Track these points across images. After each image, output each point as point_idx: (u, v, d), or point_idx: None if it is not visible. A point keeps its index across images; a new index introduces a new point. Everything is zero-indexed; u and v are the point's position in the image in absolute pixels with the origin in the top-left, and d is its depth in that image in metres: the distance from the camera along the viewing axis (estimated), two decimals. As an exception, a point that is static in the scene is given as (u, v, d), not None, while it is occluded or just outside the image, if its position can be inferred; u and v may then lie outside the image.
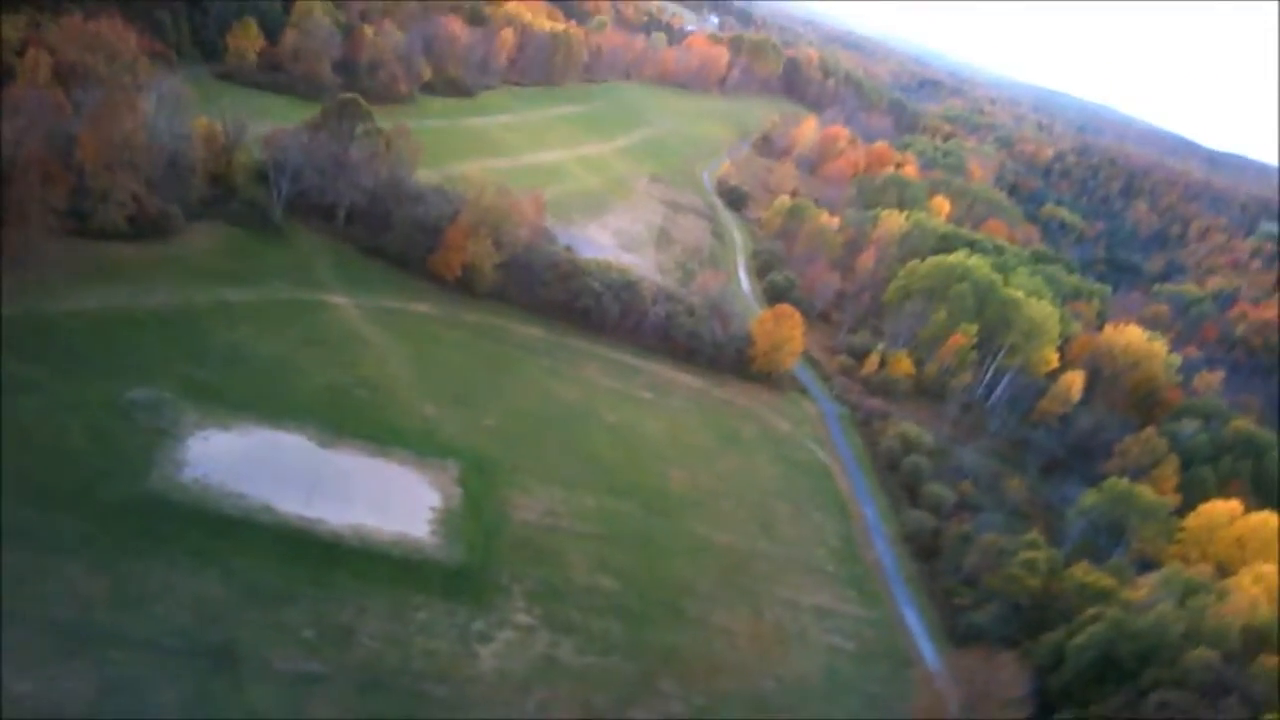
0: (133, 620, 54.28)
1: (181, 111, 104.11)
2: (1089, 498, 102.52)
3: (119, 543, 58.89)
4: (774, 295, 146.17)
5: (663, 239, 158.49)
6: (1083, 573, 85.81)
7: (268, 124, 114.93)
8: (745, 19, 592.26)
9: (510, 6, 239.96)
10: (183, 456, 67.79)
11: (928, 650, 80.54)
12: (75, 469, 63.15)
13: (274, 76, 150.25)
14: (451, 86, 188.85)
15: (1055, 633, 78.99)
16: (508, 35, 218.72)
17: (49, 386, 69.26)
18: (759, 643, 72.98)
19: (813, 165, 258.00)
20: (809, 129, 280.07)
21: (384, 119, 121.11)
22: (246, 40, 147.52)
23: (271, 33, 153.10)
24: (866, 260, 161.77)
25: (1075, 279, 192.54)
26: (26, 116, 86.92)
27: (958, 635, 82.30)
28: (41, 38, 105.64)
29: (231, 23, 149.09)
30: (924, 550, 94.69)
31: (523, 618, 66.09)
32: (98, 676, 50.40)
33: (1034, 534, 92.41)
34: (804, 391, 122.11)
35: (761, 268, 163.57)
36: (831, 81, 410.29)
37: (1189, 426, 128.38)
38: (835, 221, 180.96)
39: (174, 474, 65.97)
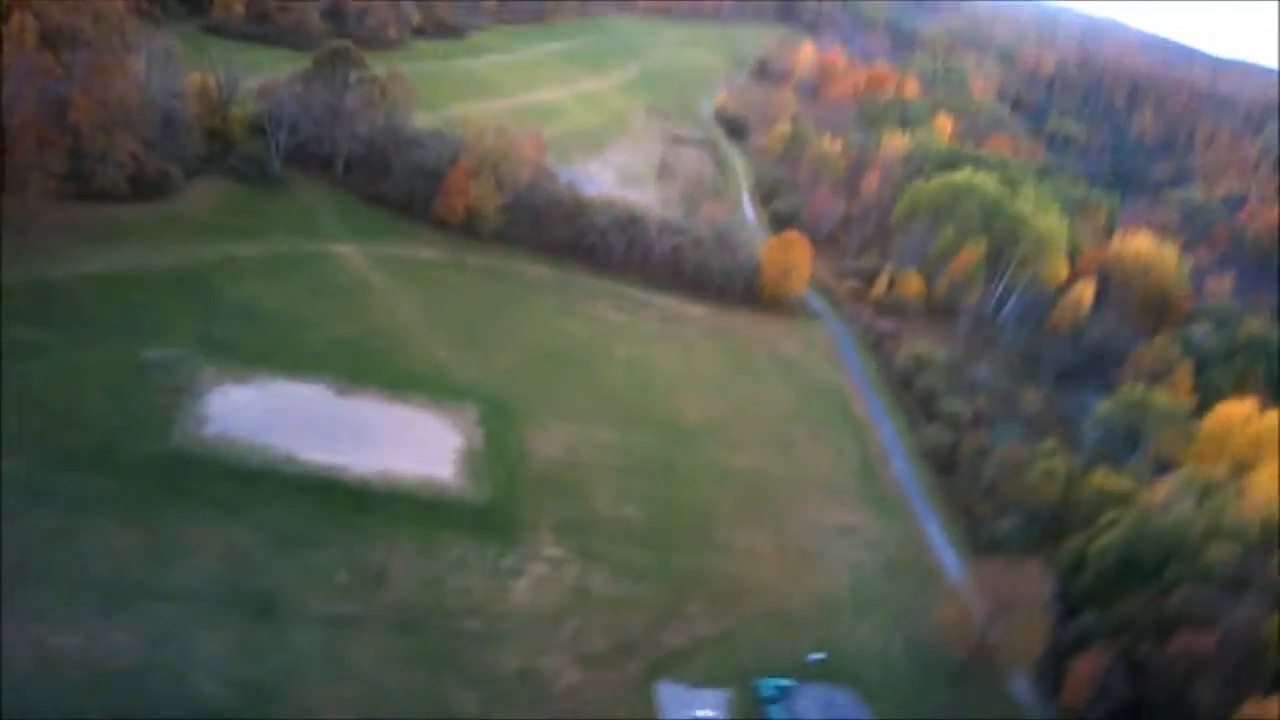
0: (170, 573, 55.25)
1: (173, 68, 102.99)
2: (1105, 405, 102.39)
3: (148, 499, 59.67)
4: (779, 222, 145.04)
5: (664, 172, 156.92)
6: (1101, 478, 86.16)
7: (260, 76, 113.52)
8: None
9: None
10: (203, 412, 68.35)
11: (950, 562, 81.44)
12: (96, 430, 63.71)
13: (262, 28, 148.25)
14: (442, 28, 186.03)
15: (1076, 538, 79.56)
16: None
17: (59, 351, 69.62)
18: (784, 562, 73.91)
19: (812, 90, 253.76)
20: (806, 53, 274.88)
21: (376, 65, 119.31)
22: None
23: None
24: (871, 182, 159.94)
25: (1082, 190, 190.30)
26: (17, 81, 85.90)
27: (980, 546, 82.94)
28: (25, 1, 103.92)
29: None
30: (942, 465, 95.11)
31: (551, 550, 66.98)
32: (143, 629, 51.40)
33: (1051, 443, 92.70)
34: (814, 316, 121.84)
35: (765, 195, 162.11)
36: (827, 4, 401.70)
37: (1201, 330, 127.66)
38: (837, 145, 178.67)
39: (196, 430, 66.56)
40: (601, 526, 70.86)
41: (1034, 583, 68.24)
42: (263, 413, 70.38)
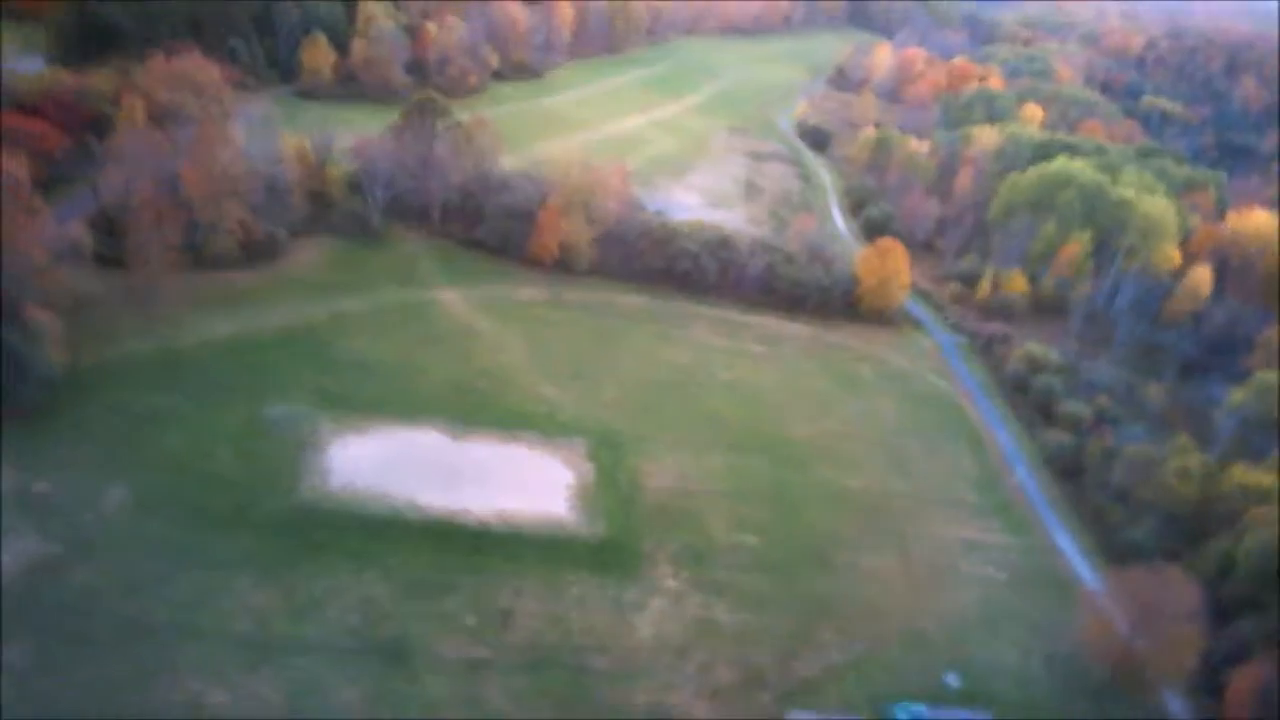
0: (307, 626, 57.00)
1: (271, 135, 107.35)
2: (1237, 395, 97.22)
3: (282, 554, 61.82)
4: (872, 231, 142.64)
5: (750, 190, 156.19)
6: (1241, 474, 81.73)
7: (352, 134, 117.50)
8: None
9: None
10: (326, 465, 70.62)
11: (1085, 572, 78.11)
12: (229, 489, 66.50)
13: (350, 87, 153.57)
14: (520, 69, 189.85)
15: (1221, 540, 75.61)
16: (566, 10, 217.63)
17: (190, 415, 72.98)
18: (911, 582, 72.02)
19: (892, 92, 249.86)
20: (883, 56, 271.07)
21: (460, 112, 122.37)
22: (318, 56, 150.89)
23: (341, 45, 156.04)
24: (963, 181, 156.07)
25: (1187, 169, 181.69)
26: (132, 161, 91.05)
27: (1115, 554, 79.42)
28: (133, 84, 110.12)
29: (301, 41, 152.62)
30: (1067, 471, 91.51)
31: (671, 583, 66.74)
32: (285, 682, 53.17)
33: (1182, 440, 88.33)
34: (918, 325, 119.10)
35: (855, 205, 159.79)
36: (900, 4, 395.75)
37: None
38: (925, 146, 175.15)
39: (321, 483, 68.73)
40: (720, 555, 70.27)
41: (1180, 590, 64.93)
42: (382, 461, 72.29)
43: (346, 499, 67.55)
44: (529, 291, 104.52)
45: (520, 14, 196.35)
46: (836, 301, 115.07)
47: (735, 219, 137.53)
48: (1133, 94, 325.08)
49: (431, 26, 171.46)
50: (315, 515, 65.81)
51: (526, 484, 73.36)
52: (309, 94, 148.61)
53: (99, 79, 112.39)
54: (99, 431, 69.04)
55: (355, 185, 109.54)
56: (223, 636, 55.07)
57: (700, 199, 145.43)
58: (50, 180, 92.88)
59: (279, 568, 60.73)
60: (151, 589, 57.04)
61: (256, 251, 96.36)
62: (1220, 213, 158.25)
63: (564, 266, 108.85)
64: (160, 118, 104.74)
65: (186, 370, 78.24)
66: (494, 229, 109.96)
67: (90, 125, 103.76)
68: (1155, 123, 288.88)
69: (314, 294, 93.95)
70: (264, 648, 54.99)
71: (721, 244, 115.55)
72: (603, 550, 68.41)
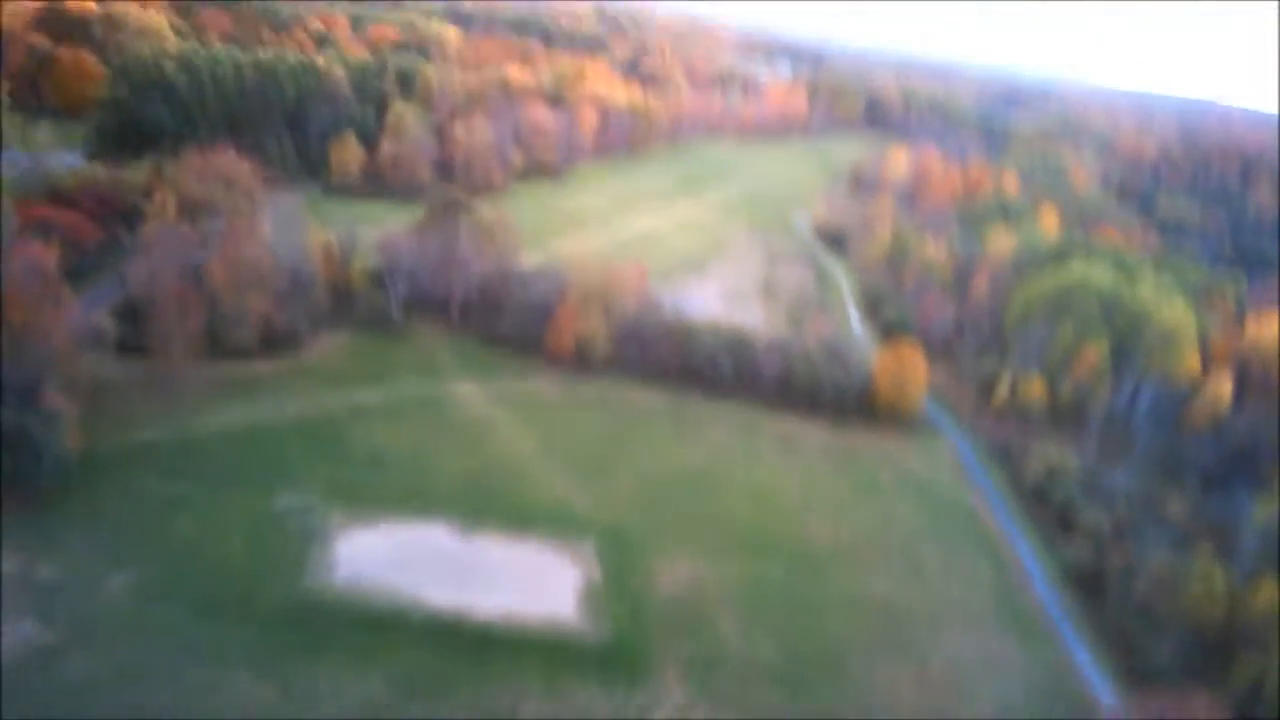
0: (305, 726, 55.54)
1: (297, 229, 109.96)
2: (1263, 508, 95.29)
3: (284, 648, 60.83)
4: (889, 332, 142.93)
5: (767, 290, 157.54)
6: (1269, 592, 79.46)
7: (377, 229, 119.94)
8: (816, 62, 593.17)
9: (588, 86, 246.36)
10: (333, 558, 70.00)
11: (1106, 693, 75.44)
12: (235, 579, 65.97)
13: (376, 184, 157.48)
14: (542, 168, 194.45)
15: (1250, 661, 73.06)
16: (589, 114, 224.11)
17: (203, 502, 72.93)
18: (927, 699, 69.70)
19: (909, 196, 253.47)
20: (900, 160, 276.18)
21: (484, 209, 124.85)
22: (347, 154, 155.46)
23: (369, 144, 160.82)
24: (980, 284, 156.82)
25: (1204, 275, 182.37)
26: (160, 253, 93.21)
27: (1138, 674, 76.66)
28: (165, 178, 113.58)
29: (331, 139, 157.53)
30: (1087, 584, 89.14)
31: (679, 693, 64.89)
32: (279, 786, 51.55)
33: (1206, 555, 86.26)
34: (935, 428, 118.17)
35: (871, 306, 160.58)
36: (915, 110, 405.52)
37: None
38: (941, 249, 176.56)
39: (327, 575, 68.04)
40: (731, 665, 68.42)
41: (1206, 714, 62.55)
42: (389, 556, 71.58)
43: (352, 593, 66.70)
44: (545, 386, 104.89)
45: (544, 116, 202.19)
46: (853, 403, 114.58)
47: (752, 318, 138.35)
48: (1148, 198, 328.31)
49: (458, 128, 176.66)
50: (320, 609, 64.95)
51: (534, 583, 72.26)
52: (337, 190, 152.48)
53: (133, 173, 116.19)
54: (108, 517, 69.02)
55: (378, 279, 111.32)
56: (217, 736, 53.80)
57: (718, 298, 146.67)
58: (80, 269, 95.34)
59: (280, 662, 59.66)
60: (149, 680, 56.11)
61: (277, 342, 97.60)
62: (1239, 318, 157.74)
63: (581, 362, 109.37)
64: (190, 211, 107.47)
65: (200, 458, 78.51)
66: (512, 324, 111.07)
67: (122, 217, 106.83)
68: (1171, 228, 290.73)
69: (332, 385, 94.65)
70: (259, 749, 53.63)
71: (738, 343, 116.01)
72: (609, 655, 66.81)
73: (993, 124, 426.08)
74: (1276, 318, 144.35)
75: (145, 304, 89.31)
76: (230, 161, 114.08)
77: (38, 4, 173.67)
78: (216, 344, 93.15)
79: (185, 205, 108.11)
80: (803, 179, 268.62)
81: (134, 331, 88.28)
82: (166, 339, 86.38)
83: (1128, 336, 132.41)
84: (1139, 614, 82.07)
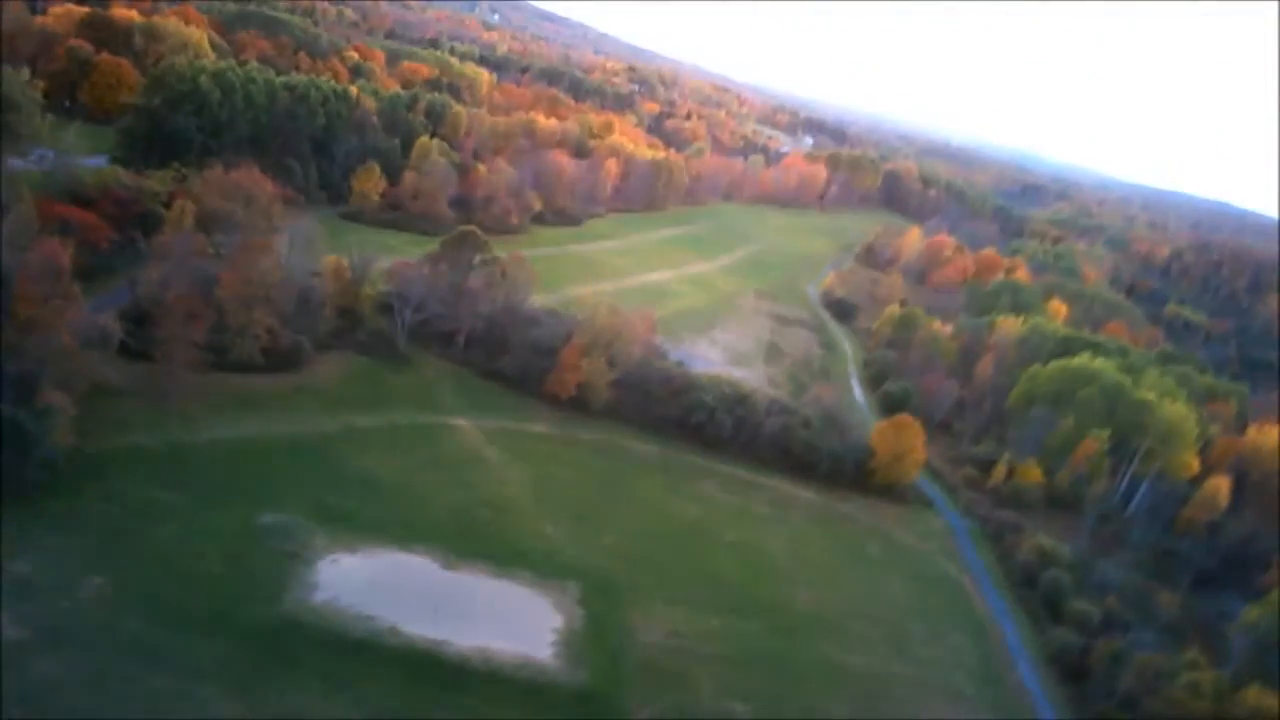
0: (267, 747, 54.33)
1: (312, 251, 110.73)
2: (1252, 613, 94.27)
3: (255, 667, 59.60)
4: (890, 405, 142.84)
5: (772, 352, 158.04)
6: (1256, 696, 78.26)
7: (390, 258, 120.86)
8: (840, 137, 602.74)
9: (613, 139, 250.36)
10: (313, 579, 68.94)
11: (1086, 784, 73.97)
12: (212, 593, 64.77)
13: (395, 215, 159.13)
14: (560, 215, 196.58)
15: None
16: (612, 165, 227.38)
17: (187, 513, 72.01)
18: (902, 774, 68.32)
19: (920, 275, 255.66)
20: (913, 239, 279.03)
21: (499, 249, 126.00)
22: (370, 183, 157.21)
23: (392, 174, 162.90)
24: (985, 367, 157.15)
25: (1209, 379, 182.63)
26: (172, 261, 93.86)
27: (1119, 767, 75.42)
28: (186, 189, 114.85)
29: (355, 167, 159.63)
30: (1071, 672, 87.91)
31: (651, 746, 63.58)
32: (233, 804, 50.27)
33: (1194, 653, 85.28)
34: (929, 504, 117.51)
35: (874, 378, 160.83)
36: (932, 191, 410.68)
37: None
38: (948, 329, 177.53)
39: (305, 597, 67.00)
40: (706, 722, 67.19)
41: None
42: (370, 582, 70.59)
43: (329, 616, 65.63)
44: (542, 427, 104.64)
45: (568, 165, 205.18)
46: (849, 471, 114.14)
47: (755, 378, 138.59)
48: (1157, 301, 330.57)
49: (482, 167, 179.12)
50: (295, 629, 63.80)
51: (513, 622, 71.20)
52: (355, 217, 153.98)
53: (155, 180, 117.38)
54: (91, 519, 68.20)
55: (386, 306, 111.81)
56: (176, 750, 52.59)
57: (722, 355, 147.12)
58: (92, 270, 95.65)
59: (249, 679, 58.43)
60: (114, 687, 54.85)
61: (280, 359, 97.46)
62: (1241, 426, 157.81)
63: (580, 406, 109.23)
64: (208, 223, 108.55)
65: (190, 468, 77.89)
66: (516, 362, 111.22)
67: (139, 222, 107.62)
68: (1178, 330, 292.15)
69: (330, 407, 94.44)
70: (218, 765, 52.38)
71: (739, 401, 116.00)
72: (584, 701, 65.52)
73: (1008, 214, 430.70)
74: (1277, 427, 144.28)
75: (153, 310, 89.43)
76: (253, 178, 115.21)
77: (84, 9, 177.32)
78: (220, 356, 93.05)
79: (203, 217, 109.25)
80: (815, 249, 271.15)
81: (139, 336, 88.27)
82: (170, 346, 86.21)
83: (1129, 432, 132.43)
84: (1123, 706, 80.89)
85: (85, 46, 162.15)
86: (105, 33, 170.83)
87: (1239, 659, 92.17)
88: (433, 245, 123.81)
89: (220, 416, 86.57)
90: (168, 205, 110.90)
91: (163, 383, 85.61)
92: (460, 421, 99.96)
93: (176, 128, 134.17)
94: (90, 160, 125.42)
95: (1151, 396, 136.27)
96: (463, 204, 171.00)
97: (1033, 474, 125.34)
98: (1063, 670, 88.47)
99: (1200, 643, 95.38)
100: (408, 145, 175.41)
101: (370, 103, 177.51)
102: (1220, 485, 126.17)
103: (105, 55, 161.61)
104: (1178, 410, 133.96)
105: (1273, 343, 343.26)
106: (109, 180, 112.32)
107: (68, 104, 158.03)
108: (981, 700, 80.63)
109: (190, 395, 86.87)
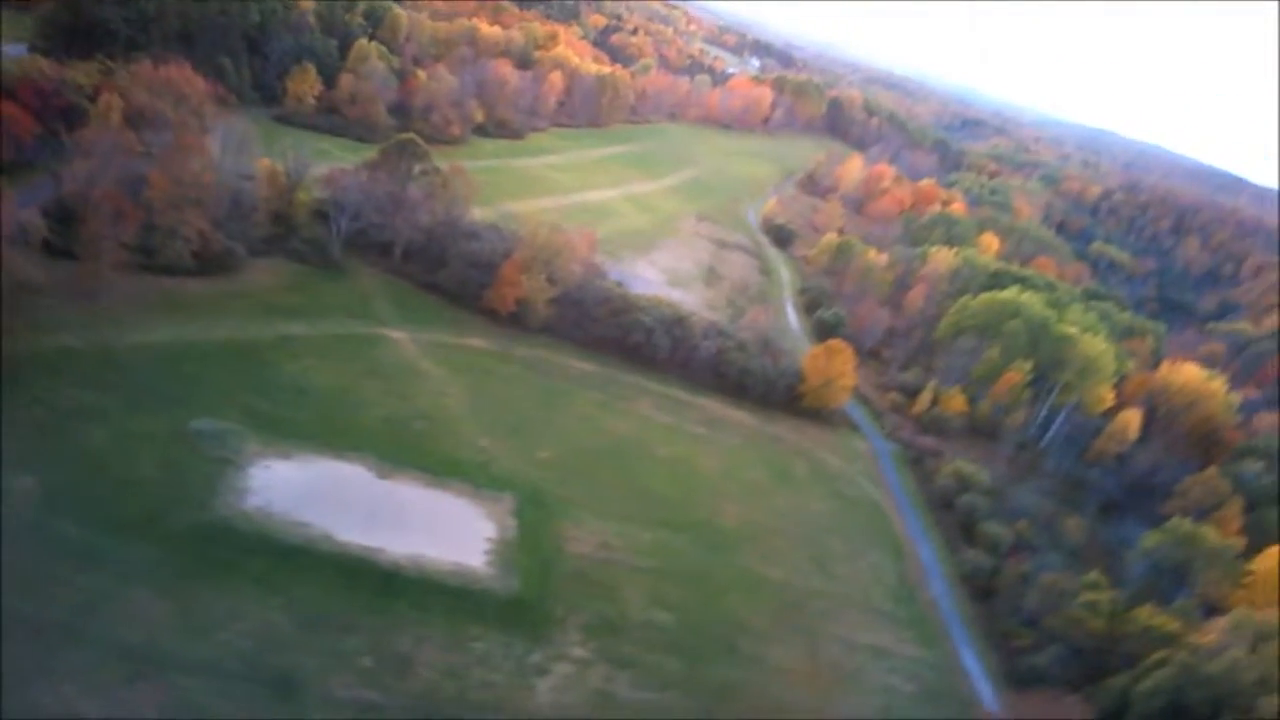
0: (198, 646, 55.02)
1: (245, 153, 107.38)
2: (1151, 539, 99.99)
3: (185, 569, 59.92)
4: (823, 332, 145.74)
5: (711, 276, 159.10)
6: (1148, 615, 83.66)
7: (327, 165, 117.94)
8: (786, 61, 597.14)
9: (558, 51, 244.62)
10: (246, 485, 68.98)
11: (986, 693, 78.76)
12: (145, 496, 64.53)
13: (331, 119, 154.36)
14: (502, 128, 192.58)
15: (1120, 677, 76.88)
16: (556, 79, 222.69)
17: (118, 416, 71.01)
18: (816, 682, 71.99)
19: (858, 203, 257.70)
20: (854, 167, 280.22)
21: (438, 160, 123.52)
22: (305, 84, 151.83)
23: (329, 77, 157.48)
24: (916, 297, 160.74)
25: (1129, 316, 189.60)
26: (98, 157, 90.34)
27: (1017, 678, 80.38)
28: (113, 83, 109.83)
29: (290, 68, 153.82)
30: (981, 591, 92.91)
31: (578, 651, 65.89)
32: (164, 700, 51.04)
33: (1095, 575, 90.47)
34: (855, 429, 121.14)
35: (809, 304, 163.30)
36: (875, 121, 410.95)
37: (1252, 468, 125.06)
38: (883, 259, 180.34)
39: (238, 502, 67.13)
40: (631, 630, 69.68)
41: (1077, 717, 65.87)
42: (304, 489, 70.90)
43: (261, 522, 66.00)
44: (479, 341, 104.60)
45: (511, 75, 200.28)
46: (780, 394, 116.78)
47: (693, 301, 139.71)
48: (1085, 238, 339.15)
49: (421, 74, 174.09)
50: (227, 534, 64.06)
51: (446, 531, 72.40)
52: (289, 119, 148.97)
53: (79, 72, 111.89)
54: (18, 421, 66.75)
55: (321, 213, 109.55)
56: (108, 646, 52.83)
57: (661, 277, 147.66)
58: (13, 165, 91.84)
59: (180, 582, 58.79)
60: (45, 588, 54.77)
61: (211, 263, 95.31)
62: (1155, 362, 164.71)
63: (518, 322, 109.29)
64: (136, 120, 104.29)
65: (120, 371, 76.42)
66: (454, 275, 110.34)
67: (63, 116, 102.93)
68: (1103, 268, 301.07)
69: (263, 314, 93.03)
70: (148, 662, 52.82)
71: (676, 322, 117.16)
72: (513, 609, 67.41)
73: (948, 146, 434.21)
74: (1188, 366, 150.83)
75: (78, 207, 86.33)
76: (184, 75, 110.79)
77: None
78: (149, 258, 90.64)
79: (131, 113, 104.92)
80: (758, 173, 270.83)
81: (64, 234, 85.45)
82: (97, 246, 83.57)
83: (1050, 364, 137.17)
84: (1027, 623, 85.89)
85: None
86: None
87: (1136, 582, 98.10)
88: (370, 152, 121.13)
89: (150, 319, 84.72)
90: (93, 99, 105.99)
91: (89, 283, 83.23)
92: (396, 333, 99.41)
93: (101, 17, 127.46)
94: (8, 48, 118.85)
95: (1074, 331, 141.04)
96: (401, 111, 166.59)
97: (956, 402, 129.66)
98: (973, 589, 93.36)
99: (1102, 566, 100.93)
100: (345, 47, 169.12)
101: (307, 1, 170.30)
102: (1131, 418, 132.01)
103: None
104: (1097, 345, 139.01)
105: (1190, 284, 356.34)
106: (29, 69, 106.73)
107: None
108: (894, 613, 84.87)
109: (118, 297, 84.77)
